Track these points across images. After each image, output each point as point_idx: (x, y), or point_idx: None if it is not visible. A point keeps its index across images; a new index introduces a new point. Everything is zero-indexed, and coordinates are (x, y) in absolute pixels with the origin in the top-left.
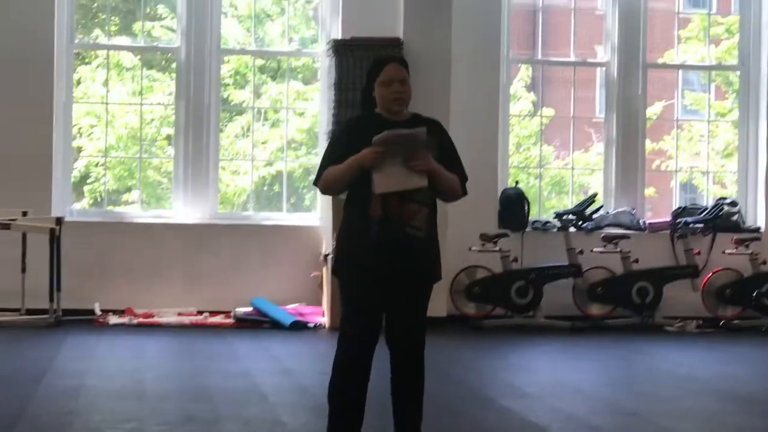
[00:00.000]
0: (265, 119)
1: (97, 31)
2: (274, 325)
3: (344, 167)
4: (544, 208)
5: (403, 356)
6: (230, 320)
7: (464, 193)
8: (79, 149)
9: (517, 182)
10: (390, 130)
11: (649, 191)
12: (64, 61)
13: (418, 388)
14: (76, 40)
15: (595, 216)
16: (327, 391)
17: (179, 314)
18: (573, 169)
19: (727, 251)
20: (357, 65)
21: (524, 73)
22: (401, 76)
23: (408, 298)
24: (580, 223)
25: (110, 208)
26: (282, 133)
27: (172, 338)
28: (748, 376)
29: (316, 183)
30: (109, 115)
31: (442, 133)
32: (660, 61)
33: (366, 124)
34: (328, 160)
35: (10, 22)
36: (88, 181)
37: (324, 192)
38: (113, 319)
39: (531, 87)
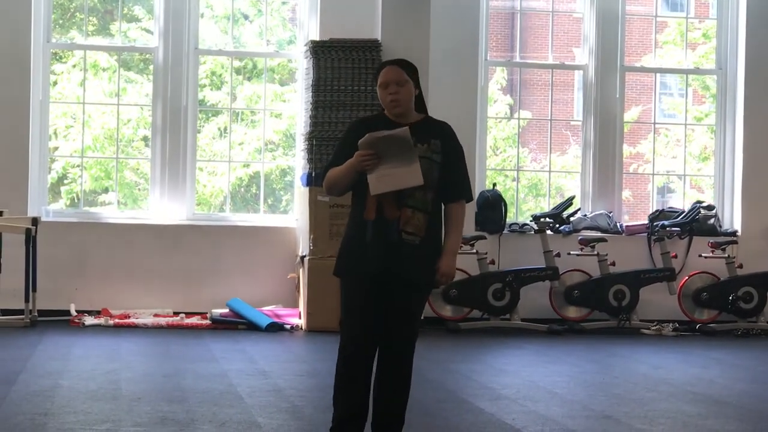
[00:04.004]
0: (242, 120)
1: (74, 31)
2: (251, 327)
3: (341, 170)
4: (521, 211)
5: (391, 361)
6: (206, 321)
7: (469, 199)
8: (56, 149)
9: (494, 185)
10: (371, 132)
11: (626, 194)
12: (41, 61)
13: (403, 397)
14: (53, 40)
15: (572, 219)
16: (332, 395)
17: (155, 315)
18: (550, 171)
19: (703, 255)
20: (335, 66)
21: (499, 75)
22: (397, 78)
23: (400, 303)
24: (557, 225)
25: (86, 208)
26: (259, 134)
27: (147, 339)
28: (723, 380)
29: (321, 183)
30: (85, 115)
31: (451, 136)
32: (638, 64)
33: (374, 124)
34: (333, 160)
35: None
36: (65, 181)
37: (327, 192)
38: (89, 320)
39: (508, 89)
